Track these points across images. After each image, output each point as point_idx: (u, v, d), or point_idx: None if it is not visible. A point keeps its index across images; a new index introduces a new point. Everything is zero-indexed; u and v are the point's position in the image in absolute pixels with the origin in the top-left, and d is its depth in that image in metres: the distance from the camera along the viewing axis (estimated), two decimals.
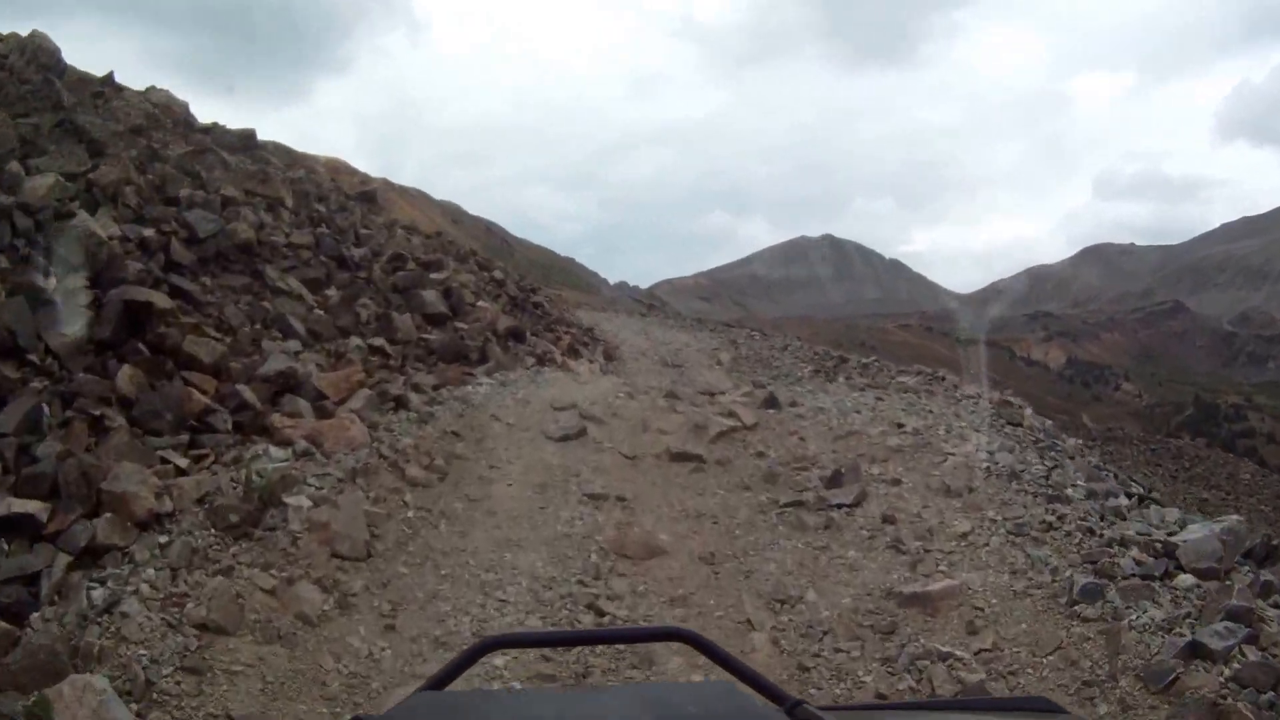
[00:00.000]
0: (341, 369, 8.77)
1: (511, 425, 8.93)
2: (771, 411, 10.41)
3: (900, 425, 9.80)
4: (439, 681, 1.74)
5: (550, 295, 22.64)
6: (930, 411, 10.93)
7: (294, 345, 8.88)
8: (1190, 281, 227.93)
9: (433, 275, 13.04)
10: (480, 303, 13.61)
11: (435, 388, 9.51)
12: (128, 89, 14.14)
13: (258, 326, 8.87)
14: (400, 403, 8.63)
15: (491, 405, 9.40)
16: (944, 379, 15.02)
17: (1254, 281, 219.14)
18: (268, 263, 9.90)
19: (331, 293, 10.27)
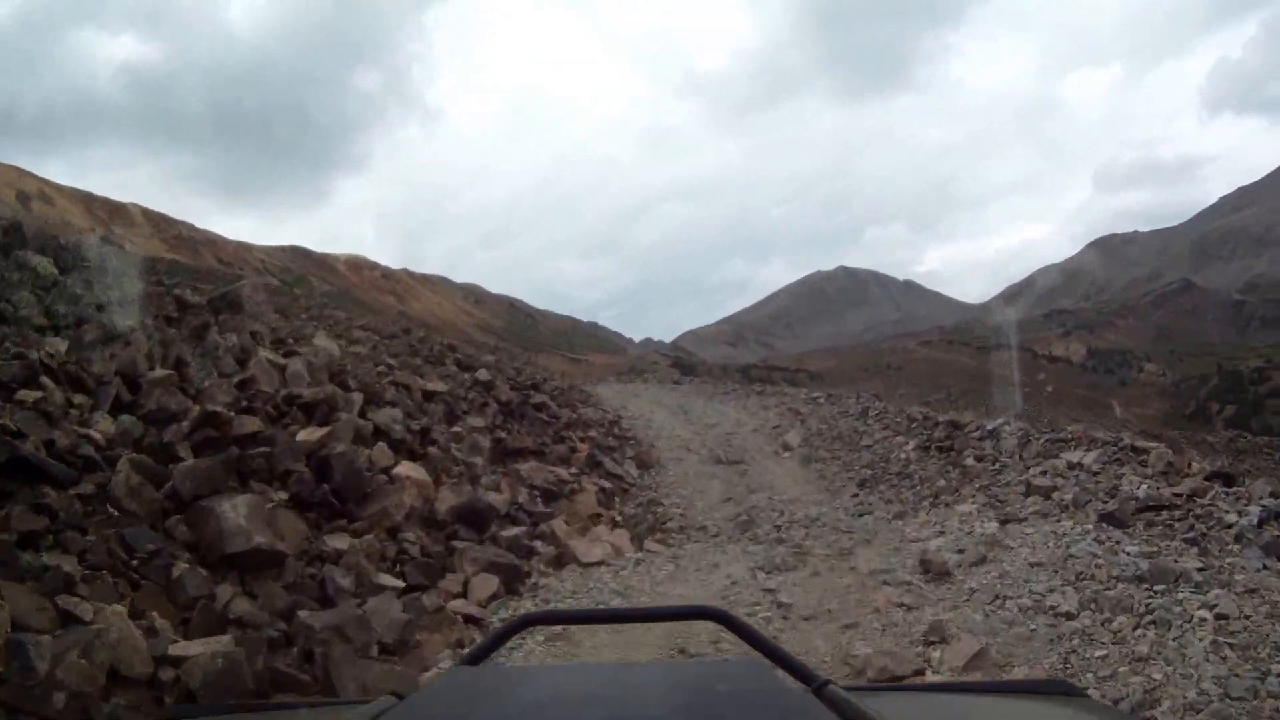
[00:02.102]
0: None
1: None
2: None
3: None
4: (475, 656, 1.52)
5: (559, 389, 16.06)
6: None
7: None
8: (1195, 259, 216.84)
9: (300, 437, 6.58)
10: (401, 468, 7.17)
11: None
12: None
13: None
14: None
15: None
16: (1136, 449, 9.12)
17: (1256, 249, 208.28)
18: None
19: None
